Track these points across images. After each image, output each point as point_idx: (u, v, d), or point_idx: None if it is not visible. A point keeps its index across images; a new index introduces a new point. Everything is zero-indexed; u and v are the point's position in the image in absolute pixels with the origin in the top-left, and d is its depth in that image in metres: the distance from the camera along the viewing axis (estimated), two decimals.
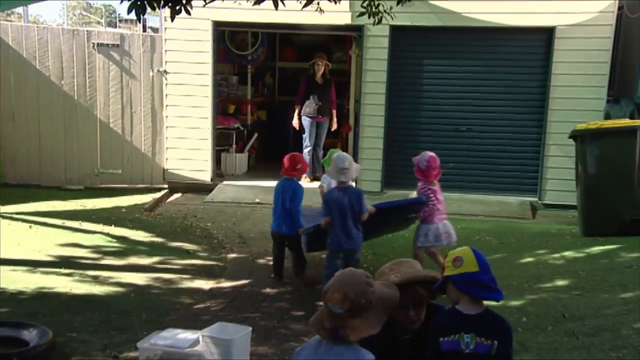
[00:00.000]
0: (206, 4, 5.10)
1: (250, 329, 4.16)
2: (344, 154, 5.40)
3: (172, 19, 4.80)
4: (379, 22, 6.44)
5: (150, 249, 6.78)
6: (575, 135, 7.21)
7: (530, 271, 5.99)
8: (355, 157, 10.02)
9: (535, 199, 9.13)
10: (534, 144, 9.17)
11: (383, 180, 9.44)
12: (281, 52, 12.70)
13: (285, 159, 5.78)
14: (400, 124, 9.49)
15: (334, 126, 9.92)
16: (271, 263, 6.17)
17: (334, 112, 9.87)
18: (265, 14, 8.45)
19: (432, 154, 5.80)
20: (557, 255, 6.48)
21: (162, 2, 4.57)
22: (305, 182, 7.39)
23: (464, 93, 9.31)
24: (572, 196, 7.85)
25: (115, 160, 9.85)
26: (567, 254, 6.50)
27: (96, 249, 6.60)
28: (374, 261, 6.27)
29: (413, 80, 9.44)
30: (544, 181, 9.11)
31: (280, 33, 11.89)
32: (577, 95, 8.81)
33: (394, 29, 8.95)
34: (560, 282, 5.54)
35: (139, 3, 4.36)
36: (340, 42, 11.73)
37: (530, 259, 6.43)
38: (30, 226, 7.36)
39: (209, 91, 9.56)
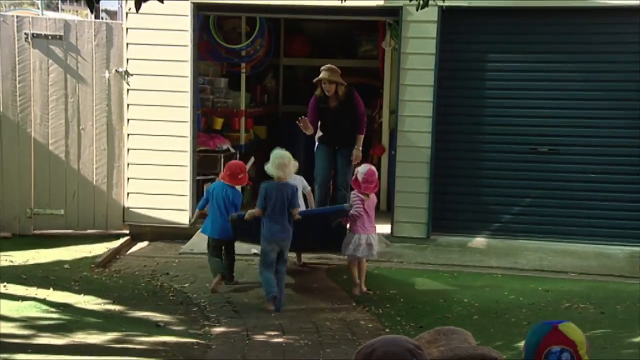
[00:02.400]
0: None
1: None
2: (282, 150, 7.25)
3: (138, 8, 4.80)
4: (425, 4, 6.42)
5: (103, 321, 6.72)
6: None
7: None
8: (391, 189, 9.98)
9: None
10: None
11: (430, 221, 9.38)
12: (288, 44, 12.77)
13: (227, 167, 8.05)
14: (454, 143, 9.47)
15: (356, 157, 9.12)
16: (275, 340, 6.32)
17: (360, 137, 9.15)
18: None
19: (372, 167, 7.81)
20: None
21: None
22: None
23: (545, 100, 9.27)
24: None
25: (56, 196, 9.86)
26: None
27: (27, 322, 6.54)
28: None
29: (472, 82, 9.44)
30: None
31: (286, 19, 11.97)
32: None
33: (445, 13, 8.91)
34: None
35: None
36: (370, 30, 11.77)
37: None
38: None
39: (187, 99, 9.60)
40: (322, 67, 9.12)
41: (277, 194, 7.05)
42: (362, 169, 7.73)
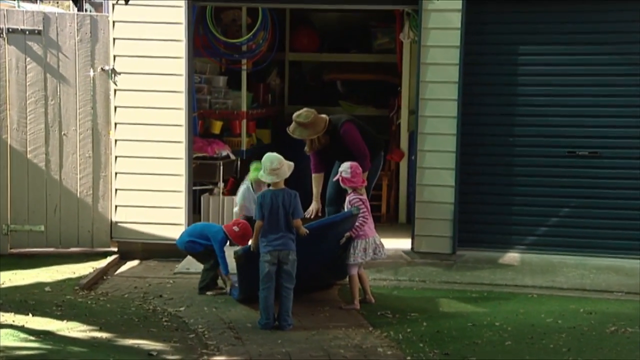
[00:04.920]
0: None
1: None
2: (273, 153, 7.42)
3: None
4: None
5: (89, 350, 6.71)
6: None
7: None
8: (411, 199, 9.94)
9: None
10: None
11: (455, 234, 9.36)
12: (294, 38, 12.78)
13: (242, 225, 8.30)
14: (482, 146, 9.49)
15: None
16: None
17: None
18: None
19: (352, 162, 8.09)
20: None
21: None
22: None
23: (586, 97, 9.28)
24: None
25: (36, 211, 9.87)
26: None
27: (3, 352, 6.50)
28: None
29: (502, 78, 9.45)
30: None
31: (292, 9, 11.98)
32: None
33: (471, 0, 8.97)
34: None
35: None
36: (386, 21, 11.77)
37: None
38: None
39: (182, 100, 9.60)
40: (294, 116, 8.84)
41: (272, 201, 7.25)
42: (343, 167, 8.03)
